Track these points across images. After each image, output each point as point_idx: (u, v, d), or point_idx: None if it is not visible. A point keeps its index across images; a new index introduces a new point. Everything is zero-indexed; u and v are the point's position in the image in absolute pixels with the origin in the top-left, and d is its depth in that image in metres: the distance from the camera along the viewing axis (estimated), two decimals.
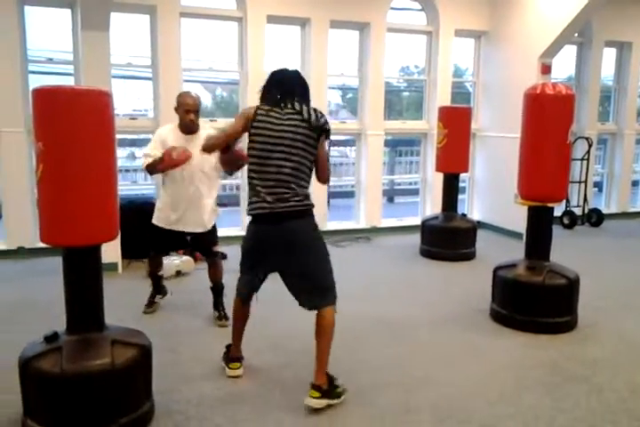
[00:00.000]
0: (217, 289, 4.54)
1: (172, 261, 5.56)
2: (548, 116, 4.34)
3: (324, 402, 3.15)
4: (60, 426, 2.73)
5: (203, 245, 4.52)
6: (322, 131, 3.20)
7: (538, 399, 3.37)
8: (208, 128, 4.35)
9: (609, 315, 4.79)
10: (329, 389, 3.20)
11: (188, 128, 4.27)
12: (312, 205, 3.25)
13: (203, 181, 4.30)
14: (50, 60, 6.64)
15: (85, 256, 2.88)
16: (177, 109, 4.33)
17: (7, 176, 5.87)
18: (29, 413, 2.80)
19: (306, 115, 3.18)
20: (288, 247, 3.18)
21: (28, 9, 6.12)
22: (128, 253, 5.71)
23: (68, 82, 6.26)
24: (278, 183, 3.13)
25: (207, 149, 3.39)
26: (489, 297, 4.69)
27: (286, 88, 3.25)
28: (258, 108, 3.23)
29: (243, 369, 3.57)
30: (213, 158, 3.94)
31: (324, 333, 3.24)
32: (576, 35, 7.99)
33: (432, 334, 4.35)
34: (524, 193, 4.53)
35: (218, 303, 4.52)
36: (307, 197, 3.20)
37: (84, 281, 2.90)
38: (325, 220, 7.38)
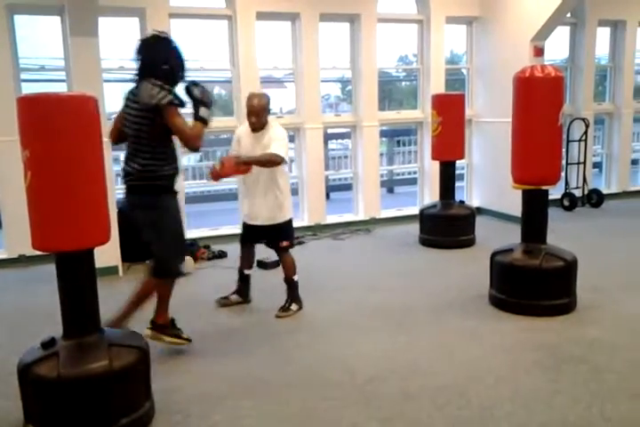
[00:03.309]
0: (287, 283, 4.62)
1: None
2: (537, 99, 4.35)
3: (152, 334, 3.70)
4: None
5: (270, 238, 4.59)
6: (157, 109, 3.37)
7: (536, 381, 3.40)
8: (276, 125, 4.43)
9: (608, 295, 4.80)
10: (162, 326, 3.73)
11: (253, 126, 4.41)
12: (152, 181, 3.51)
13: (265, 174, 4.38)
14: (42, 68, 6.68)
15: (78, 261, 2.91)
16: None
17: (5, 185, 5.91)
18: (30, 418, 2.85)
19: (138, 96, 3.44)
20: (137, 219, 3.62)
21: (17, 18, 6.14)
22: (128, 256, 5.74)
23: (61, 88, 6.30)
24: (125, 162, 3.60)
25: None
26: (488, 283, 4.70)
27: (137, 65, 3.55)
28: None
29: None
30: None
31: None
32: (569, 15, 7.95)
33: (431, 321, 4.37)
34: (518, 177, 4.53)
35: (288, 295, 4.60)
36: (143, 174, 3.47)
37: (78, 286, 2.93)
38: (323, 213, 7.43)
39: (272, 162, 4.21)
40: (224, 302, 4.77)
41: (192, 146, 3.49)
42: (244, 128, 4.57)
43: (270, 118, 4.47)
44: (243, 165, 4.17)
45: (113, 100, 7.72)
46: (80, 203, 2.79)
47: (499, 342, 3.97)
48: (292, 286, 4.58)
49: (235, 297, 4.79)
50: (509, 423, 2.97)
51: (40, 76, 6.77)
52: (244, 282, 4.80)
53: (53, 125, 2.71)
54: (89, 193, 2.84)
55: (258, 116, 4.36)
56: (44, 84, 7.08)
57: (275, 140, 4.27)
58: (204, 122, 3.50)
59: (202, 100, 3.50)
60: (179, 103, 3.45)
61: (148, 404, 3.01)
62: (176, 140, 3.57)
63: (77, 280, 2.93)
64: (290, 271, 4.56)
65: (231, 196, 7.89)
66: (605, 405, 3.11)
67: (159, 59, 3.51)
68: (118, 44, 7.56)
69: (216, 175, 4.21)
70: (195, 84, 3.55)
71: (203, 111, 3.49)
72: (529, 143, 4.40)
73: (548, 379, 3.42)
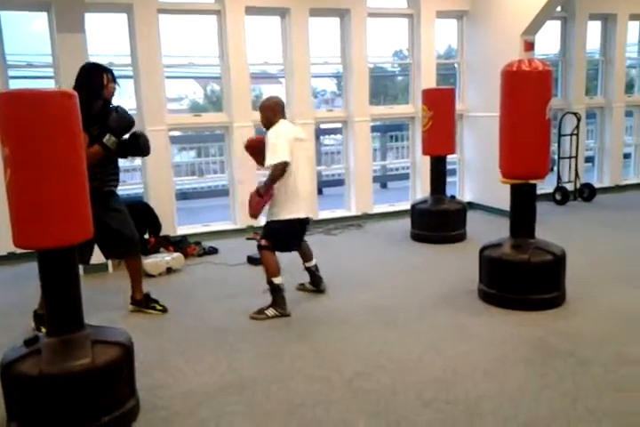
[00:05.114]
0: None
1: (163, 258, 5.58)
2: (525, 93, 4.33)
3: (133, 308, 4.52)
4: None
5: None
6: None
7: (523, 376, 3.39)
8: (277, 126, 4.40)
9: (598, 288, 4.80)
10: (141, 301, 4.51)
11: (262, 124, 4.59)
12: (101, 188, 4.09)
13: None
14: (29, 65, 6.64)
15: (59, 258, 2.89)
16: None
17: None
18: (13, 417, 2.83)
19: None
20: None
21: (3, 14, 6.09)
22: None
23: (50, 85, 6.26)
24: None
25: None
26: (477, 278, 4.70)
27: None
28: None
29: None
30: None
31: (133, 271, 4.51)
32: (559, 9, 7.94)
33: (420, 316, 4.36)
34: (505, 171, 4.52)
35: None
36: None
37: (60, 283, 2.91)
38: (315, 209, 7.40)
39: (277, 175, 4.25)
40: (300, 288, 4.93)
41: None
42: None
43: (282, 121, 4.44)
44: (266, 194, 4.32)
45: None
46: (61, 200, 2.77)
47: (487, 336, 3.96)
48: (270, 290, 4.41)
49: (309, 286, 4.90)
50: (495, 418, 2.96)
51: (28, 73, 6.72)
52: (309, 273, 4.83)
53: (32, 122, 2.68)
54: (69, 190, 2.81)
55: (261, 114, 4.50)
56: (32, 80, 7.03)
57: (268, 144, 4.29)
58: (104, 147, 3.96)
59: (112, 127, 3.95)
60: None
61: (133, 401, 2.99)
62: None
63: (60, 277, 2.90)
64: (266, 272, 4.41)
65: (223, 192, 7.86)
66: (591, 398, 3.11)
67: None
68: (107, 40, 7.55)
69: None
70: (116, 110, 4.04)
71: (107, 138, 3.96)
72: (516, 137, 4.38)
73: (536, 373, 3.42)
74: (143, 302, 4.53)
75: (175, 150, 12.89)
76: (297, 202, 4.40)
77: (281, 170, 4.23)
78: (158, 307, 4.54)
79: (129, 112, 4.22)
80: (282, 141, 4.24)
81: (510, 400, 3.12)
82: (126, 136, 4.17)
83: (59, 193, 2.76)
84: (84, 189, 2.92)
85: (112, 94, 4.16)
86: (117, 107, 4.11)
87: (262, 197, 4.32)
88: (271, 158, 4.23)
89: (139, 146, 4.23)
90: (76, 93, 2.88)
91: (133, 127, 4.21)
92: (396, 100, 14.21)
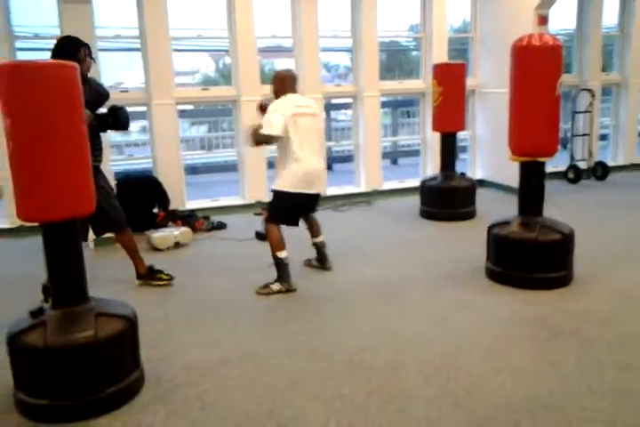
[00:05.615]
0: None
1: (171, 233, 5.60)
2: (534, 68, 4.25)
3: (141, 282, 4.57)
4: (49, 398, 2.80)
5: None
6: None
7: (526, 354, 3.39)
8: (280, 99, 4.44)
9: (606, 268, 4.76)
10: (147, 274, 4.56)
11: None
12: None
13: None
14: (37, 36, 6.60)
15: (63, 231, 2.90)
16: None
17: (3, 156, 5.89)
18: (20, 386, 2.88)
19: None
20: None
21: None
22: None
23: None
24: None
25: None
26: (485, 256, 4.68)
27: None
28: None
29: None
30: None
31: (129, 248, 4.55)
32: None
33: (426, 293, 4.36)
34: (514, 149, 4.46)
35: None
36: None
37: (64, 256, 2.93)
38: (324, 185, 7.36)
39: (259, 140, 4.39)
40: (307, 264, 4.97)
41: None
42: None
43: (290, 94, 4.45)
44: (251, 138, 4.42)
45: (109, 70, 7.69)
46: (63, 172, 2.77)
47: (492, 314, 3.96)
48: (275, 264, 4.43)
49: (315, 262, 4.94)
50: (496, 396, 2.97)
51: (36, 45, 6.69)
52: (316, 249, 4.86)
53: (33, 94, 2.67)
54: (72, 162, 2.81)
55: (271, 84, 4.55)
56: (41, 52, 7.00)
57: (264, 117, 4.35)
58: None
59: (86, 100, 3.87)
60: None
61: (137, 373, 3.03)
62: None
63: (63, 251, 2.92)
64: (270, 246, 4.43)
65: (233, 167, 7.84)
66: (593, 377, 3.10)
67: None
68: (114, 11, 7.47)
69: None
70: (89, 83, 3.95)
71: None
72: (525, 114, 4.31)
73: (539, 351, 3.42)
74: (148, 275, 4.58)
75: (187, 125, 12.93)
76: (300, 176, 4.37)
77: (265, 139, 4.34)
78: (164, 276, 4.59)
79: (104, 85, 4.31)
80: (275, 116, 4.28)
81: (511, 378, 3.12)
82: (104, 110, 4.18)
83: (61, 165, 2.76)
84: (86, 161, 2.92)
85: (88, 69, 4.15)
86: (90, 79, 4.08)
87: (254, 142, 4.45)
88: (264, 130, 4.31)
89: (118, 119, 4.18)
90: (77, 65, 2.86)
91: (107, 100, 4.23)
92: (411, 74, 14.03)
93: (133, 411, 2.88)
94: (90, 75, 4.20)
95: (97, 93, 4.10)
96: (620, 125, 8.96)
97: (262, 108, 4.60)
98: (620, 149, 9.03)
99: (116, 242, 4.64)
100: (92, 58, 4.20)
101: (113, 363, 2.87)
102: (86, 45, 4.18)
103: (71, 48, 4.07)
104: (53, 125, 2.72)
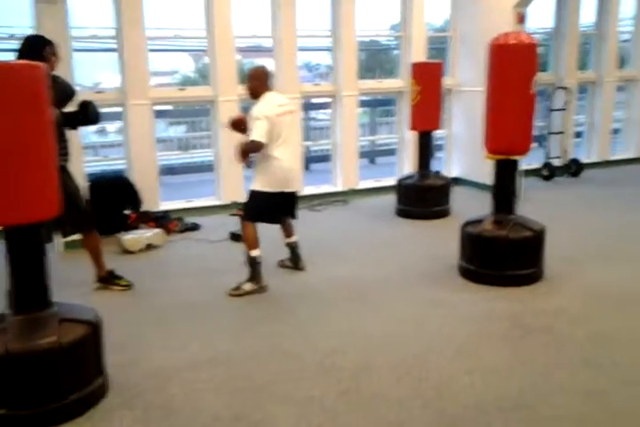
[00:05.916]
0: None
1: (143, 235, 5.52)
2: (509, 66, 4.28)
3: (100, 286, 4.47)
4: (11, 406, 2.73)
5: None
6: None
7: (497, 353, 3.39)
8: (263, 100, 4.35)
9: (578, 265, 4.79)
10: (105, 278, 4.49)
11: (248, 93, 4.52)
12: None
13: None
14: (12, 37, 6.48)
15: (26, 235, 2.84)
16: None
17: None
18: None
19: None
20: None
21: None
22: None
23: None
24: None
25: None
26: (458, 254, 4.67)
27: None
28: None
29: None
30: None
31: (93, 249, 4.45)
32: None
33: (399, 292, 4.35)
34: (489, 146, 4.47)
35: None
36: None
37: (26, 260, 2.87)
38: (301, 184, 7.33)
39: (252, 151, 4.29)
40: (280, 264, 4.91)
41: None
42: None
43: (269, 93, 4.38)
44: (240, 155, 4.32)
45: (84, 70, 7.58)
46: (28, 176, 2.70)
47: (465, 313, 3.95)
48: (248, 263, 4.39)
49: (288, 262, 4.88)
50: (466, 395, 2.96)
51: (13, 46, 6.57)
52: (289, 249, 4.81)
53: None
54: (37, 165, 2.74)
55: (247, 83, 4.45)
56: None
57: (254, 120, 4.23)
58: None
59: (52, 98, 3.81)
60: None
61: (101, 379, 2.97)
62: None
63: (26, 255, 2.86)
64: (245, 245, 4.41)
65: (206, 167, 7.77)
66: (563, 375, 3.11)
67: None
68: (90, 11, 7.35)
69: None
70: (55, 80, 3.75)
71: None
72: (499, 111, 4.32)
73: (510, 350, 3.42)
74: (107, 279, 4.51)
75: (164, 125, 12.82)
76: (279, 176, 4.35)
77: (257, 148, 4.24)
78: (123, 282, 4.52)
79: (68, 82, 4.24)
80: (263, 124, 4.19)
81: (482, 378, 3.11)
82: (72, 109, 4.15)
83: (26, 168, 2.69)
84: (52, 164, 2.86)
85: (54, 68, 4.09)
86: (56, 77, 3.99)
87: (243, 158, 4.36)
88: (255, 136, 4.20)
89: (87, 114, 4.16)
90: (45, 65, 2.81)
91: (73, 98, 4.19)
92: (392, 74, 14.03)
93: (98, 418, 2.83)
94: (63, 75, 4.17)
95: (63, 92, 4.05)
96: (595, 123, 9.01)
97: (235, 125, 4.55)
98: (594, 147, 9.08)
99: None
100: (56, 56, 4.15)
101: (76, 369, 2.81)
102: (52, 43, 4.13)
103: (37, 47, 4.03)
104: (20, 127, 2.65)
